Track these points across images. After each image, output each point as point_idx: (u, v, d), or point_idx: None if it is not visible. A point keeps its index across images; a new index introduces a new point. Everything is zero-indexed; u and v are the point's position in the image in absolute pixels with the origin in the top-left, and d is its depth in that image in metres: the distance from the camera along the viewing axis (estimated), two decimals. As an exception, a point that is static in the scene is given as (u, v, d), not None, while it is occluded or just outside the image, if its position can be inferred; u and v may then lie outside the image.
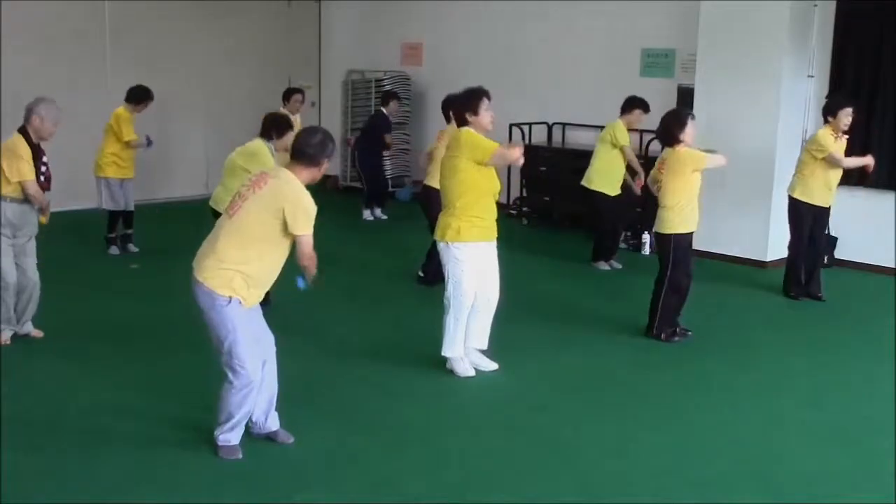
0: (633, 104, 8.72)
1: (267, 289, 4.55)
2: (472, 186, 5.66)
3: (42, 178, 6.21)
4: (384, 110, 11.27)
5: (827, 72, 8.98)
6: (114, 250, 9.15)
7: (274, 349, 4.73)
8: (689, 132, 6.48)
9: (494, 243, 5.87)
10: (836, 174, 7.66)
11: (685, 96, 9.61)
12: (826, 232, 8.08)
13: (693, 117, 6.61)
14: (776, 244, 8.90)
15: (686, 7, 9.72)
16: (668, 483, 4.53)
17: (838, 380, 6.10)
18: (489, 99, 5.74)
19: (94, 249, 9.16)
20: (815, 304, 7.85)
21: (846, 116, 7.53)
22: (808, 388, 5.91)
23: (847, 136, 7.70)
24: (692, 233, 6.61)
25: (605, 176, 8.71)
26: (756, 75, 8.91)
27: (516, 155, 5.75)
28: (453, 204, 5.71)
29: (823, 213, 7.76)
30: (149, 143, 8.94)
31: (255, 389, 4.57)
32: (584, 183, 8.82)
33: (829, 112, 7.65)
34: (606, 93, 9.93)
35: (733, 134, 9.04)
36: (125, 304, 7.41)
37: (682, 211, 6.51)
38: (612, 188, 8.72)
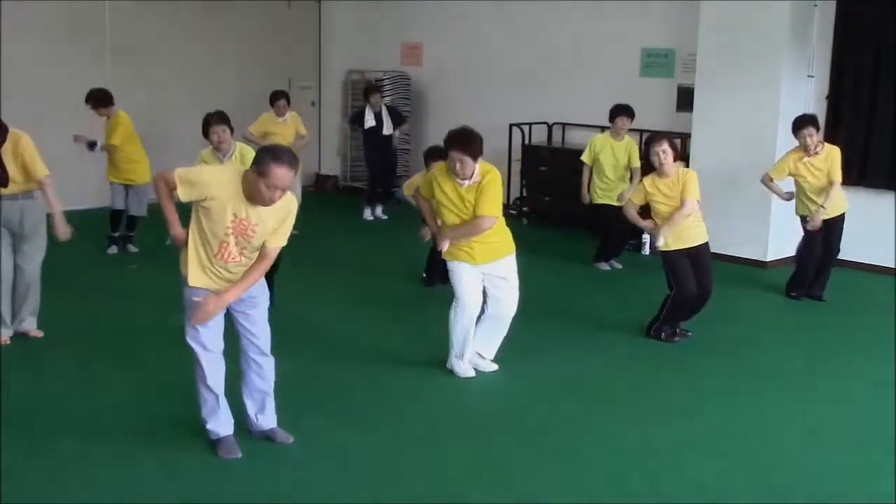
0: (615, 113, 8.79)
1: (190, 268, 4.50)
2: (439, 214, 5.84)
3: None
4: (367, 107, 11.21)
5: (827, 72, 8.98)
6: (112, 250, 9.18)
7: (260, 351, 4.72)
8: (652, 158, 6.41)
9: (496, 264, 5.77)
10: (811, 191, 7.52)
11: (685, 96, 9.62)
12: (838, 240, 7.94)
13: (658, 142, 6.41)
14: (776, 244, 8.90)
15: (686, 7, 9.72)
16: (668, 483, 4.53)
17: (838, 380, 6.10)
18: (458, 150, 5.52)
19: (93, 249, 9.15)
20: (816, 304, 7.84)
21: (808, 138, 7.42)
22: (808, 388, 5.91)
23: (830, 146, 7.59)
24: (685, 249, 6.49)
25: (598, 188, 8.84)
26: (756, 75, 8.90)
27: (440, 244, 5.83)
28: None
29: (831, 223, 7.65)
30: (90, 146, 8.95)
31: (209, 373, 4.59)
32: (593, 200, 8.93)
33: (794, 132, 7.57)
34: (606, 93, 9.92)
35: (733, 134, 9.05)
36: (124, 305, 7.41)
37: (659, 229, 6.50)
38: (608, 199, 8.78)
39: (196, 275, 4.47)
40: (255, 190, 4.28)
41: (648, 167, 6.70)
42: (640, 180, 7.02)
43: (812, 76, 8.98)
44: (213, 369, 4.62)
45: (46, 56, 10.68)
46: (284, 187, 4.28)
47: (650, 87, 10.12)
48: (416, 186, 6.46)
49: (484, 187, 5.59)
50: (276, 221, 4.45)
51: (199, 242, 4.45)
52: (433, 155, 7.72)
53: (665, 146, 6.38)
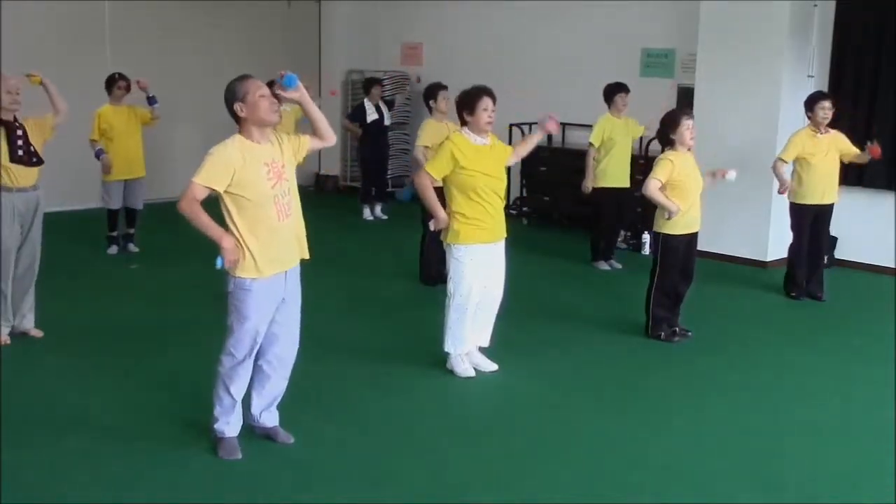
0: (611, 92, 8.83)
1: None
2: (455, 187, 5.69)
3: (20, 152, 6.03)
4: (366, 100, 11.26)
5: (827, 72, 8.98)
6: (113, 249, 9.16)
7: (290, 352, 4.73)
8: (682, 132, 6.44)
9: (500, 243, 5.85)
10: (819, 171, 7.61)
11: (685, 96, 9.61)
12: (828, 232, 8.06)
13: (689, 116, 6.57)
14: (776, 244, 8.90)
15: (686, 7, 9.72)
16: (668, 483, 4.53)
17: (838, 380, 6.10)
18: (492, 98, 5.70)
19: (94, 249, 9.16)
20: (816, 304, 7.85)
21: (821, 110, 7.56)
22: (808, 388, 5.91)
23: (834, 130, 7.69)
24: (688, 235, 6.58)
25: (598, 171, 8.79)
26: (756, 75, 8.91)
27: (438, 222, 5.74)
28: (449, 206, 5.75)
29: (821, 210, 7.74)
30: (97, 155, 8.82)
31: (238, 380, 4.58)
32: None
33: (807, 108, 7.68)
34: (606, 93, 9.92)
35: (733, 134, 9.05)
36: (125, 304, 7.41)
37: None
38: (609, 181, 8.76)
39: (265, 264, 4.40)
40: (259, 113, 4.38)
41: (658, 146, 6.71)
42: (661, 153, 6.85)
43: (812, 76, 8.99)
44: (243, 377, 4.61)
45: (45, 57, 10.66)
46: (267, 92, 4.46)
47: (650, 87, 10.11)
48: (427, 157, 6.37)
49: (499, 142, 5.86)
50: (285, 145, 4.57)
51: (256, 227, 4.38)
52: (434, 92, 7.79)
53: (693, 121, 6.48)
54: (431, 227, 5.83)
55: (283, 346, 4.68)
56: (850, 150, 7.76)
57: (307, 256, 4.66)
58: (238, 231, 4.39)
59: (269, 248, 4.42)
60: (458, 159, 5.61)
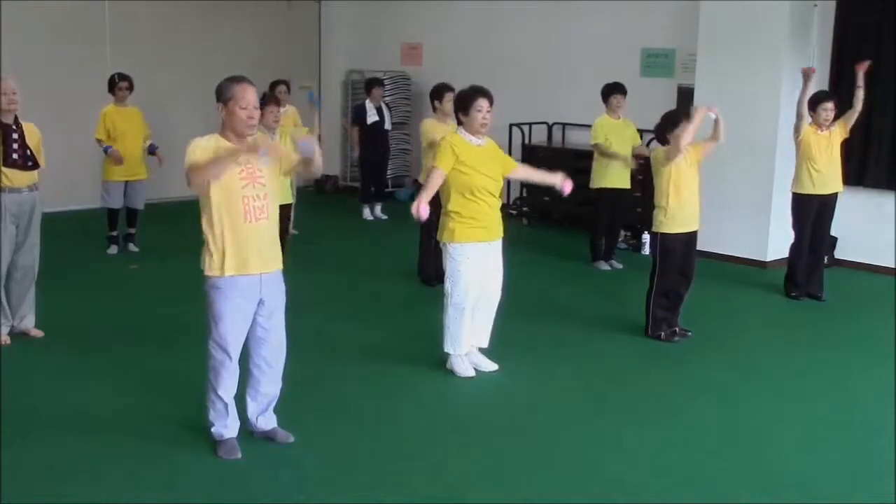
0: (607, 92, 8.84)
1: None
2: (453, 186, 5.69)
3: (15, 156, 6.00)
4: (367, 101, 11.27)
5: (827, 72, 8.98)
6: (112, 249, 9.16)
7: (276, 356, 4.72)
8: (680, 132, 6.45)
9: (497, 242, 5.85)
10: (822, 159, 7.64)
11: (685, 96, 9.61)
12: (829, 228, 8.06)
13: (689, 117, 6.57)
14: (776, 244, 8.90)
15: (686, 7, 9.72)
16: (667, 483, 4.53)
17: (838, 380, 6.10)
18: (487, 99, 5.71)
19: (93, 249, 9.16)
20: (816, 304, 7.85)
21: (824, 111, 7.60)
22: (808, 388, 5.91)
23: (834, 130, 7.72)
24: (686, 233, 6.57)
25: (597, 171, 8.81)
26: (756, 75, 8.91)
27: (418, 208, 5.56)
28: (445, 205, 5.76)
29: (824, 203, 7.74)
30: (106, 151, 8.82)
31: (224, 382, 4.58)
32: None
33: (810, 108, 7.70)
34: (606, 93, 9.92)
35: (733, 134, 9.00)
36: (125, 304, 7.40)
37: (668, 211, 6.52)
38: (609, 181, 8.76)
39: (228, 264, 4.42)
40: (234, 123, 4.39)
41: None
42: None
43: (812, 76, 8.99)
44: (230, 379, 4.61)
45: (45, 57, 10.68)
46: (255, 104, 4.40)
47: (650, 87, 10.12)
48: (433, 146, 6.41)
49: (498, 148, 5.93)
50: (272, 158, 4.57)
51: (220, 226, 4.40)
52: (440, 93, 7.80)
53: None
54: (412, 211, 5.62)
55: (269, 349, 4.67)
56: (849, 124, 7.79)
57: (280, 266, 4.66)
58: (205, 227, 4.44)
59: (232, 249, 4.42)
60: (458, 154, 5.65)
